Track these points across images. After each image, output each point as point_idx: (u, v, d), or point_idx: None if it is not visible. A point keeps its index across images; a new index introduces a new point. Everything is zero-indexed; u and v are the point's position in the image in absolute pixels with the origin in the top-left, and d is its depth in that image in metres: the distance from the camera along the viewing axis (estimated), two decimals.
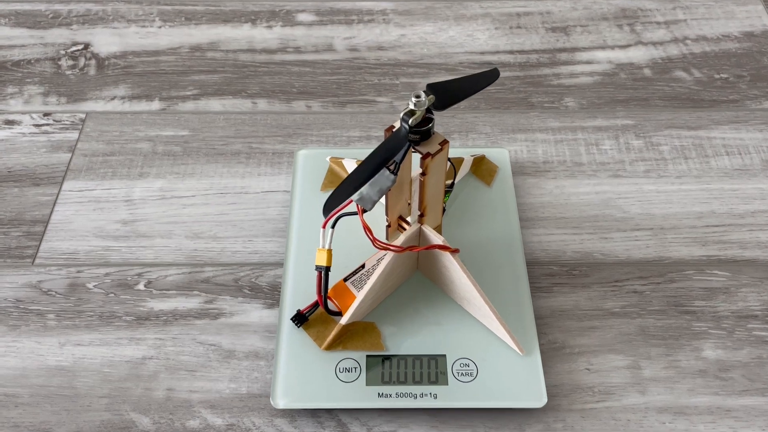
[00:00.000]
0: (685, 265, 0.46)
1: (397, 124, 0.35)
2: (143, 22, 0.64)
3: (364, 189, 0.36)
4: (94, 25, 0.64)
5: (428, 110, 0.34)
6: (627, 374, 0.41)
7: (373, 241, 0.37)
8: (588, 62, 0.60)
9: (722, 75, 0.59)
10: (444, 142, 0.35)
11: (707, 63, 0.60)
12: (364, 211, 0.36)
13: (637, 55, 0.61)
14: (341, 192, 0.33)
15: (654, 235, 0.48)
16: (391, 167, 0.36)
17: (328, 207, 0.33)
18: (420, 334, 0.41)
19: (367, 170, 0.33)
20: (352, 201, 0.36)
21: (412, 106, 0.33)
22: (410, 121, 0.33)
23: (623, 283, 0.45)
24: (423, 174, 0.36)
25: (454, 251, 0.39)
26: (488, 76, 0.38)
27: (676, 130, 0.55)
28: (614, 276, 0.46)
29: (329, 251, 0.38)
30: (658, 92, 0.58)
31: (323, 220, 0.37)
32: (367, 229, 0.37)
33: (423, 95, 0.33)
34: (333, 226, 0.38)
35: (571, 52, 0.61)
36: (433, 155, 0.35)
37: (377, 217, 0.42)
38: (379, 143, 0.37)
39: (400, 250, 0.38)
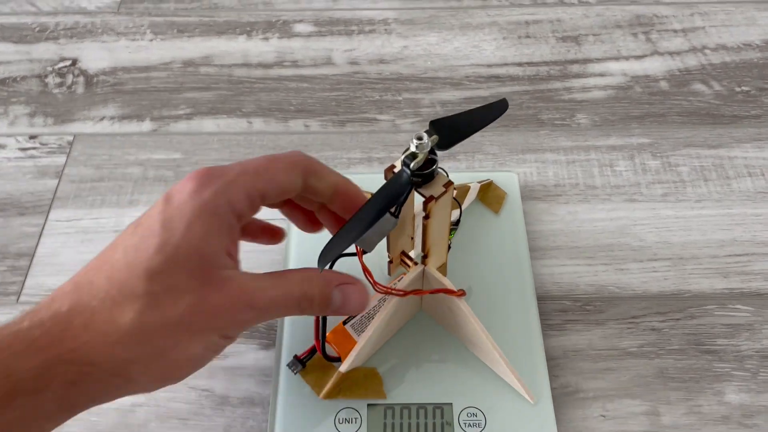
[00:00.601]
0: (705, 300, 0.44)
1: (398, 165, 0.33)
2: (134, 35, 0.61)
3: None
4: (83, 38, 0.61)
5: (431, 151, 0.31)
6: (645, 421, 0.39)
7: (374, 285, 0.35)
8: (601, 74, 0.57)
9: (743, 87, 0.56)
10: (448, 184, 0.33)
11: (727, 74, 0.57)
12: (364, 252, 0.34)
13: (653, 66, 0.58)
14: (340, 241, 0.30)
15: (673, 266, 0.45)
16: (393, 209, 0.33)
17: (325, 257, 0.31)
18: (424, 380, 0.38)
19: (367, 218, 0.30)
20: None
21: (413, 149, 0.31)
22: (412, 164, 0.31)
23: (640, 320, 0.43)
24: (426, 218, 0.33)
25: (460, 295, 0.36)
26: (497, 109, 0.35)
27: (695, 148, 0.52)
28: (631, 312, 0.43)
29: None
30: (675, 107, 0.55)
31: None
32: (367, 272, 0.34)
33: (425, 137, 0.30)
34: (331, 267, 0.35)
35: (583, 64, 0.58)
36: (437, 198, 0.32)
37: (379, 251, 0.39)
38: (380, 172, 0.35)
39: (403, 294, 0.36)
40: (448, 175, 0.34)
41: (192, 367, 0.31)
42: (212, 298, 0.29)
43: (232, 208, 0.30)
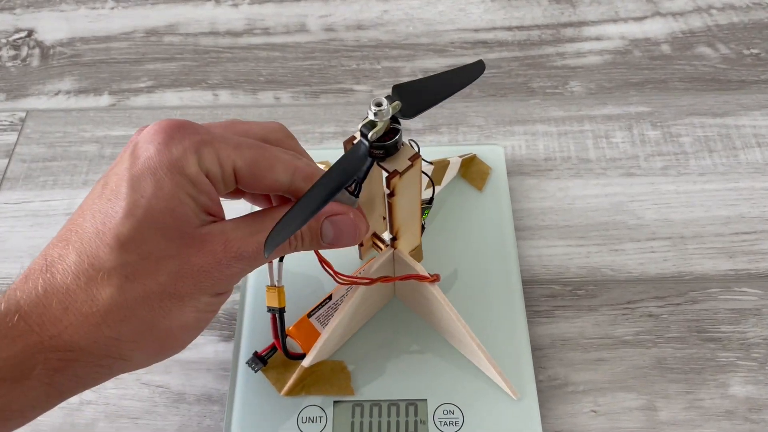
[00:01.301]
0: (709, 282, 0.40)
1: (357, 136, 0.29)
2: (93, 2, 0.57)
3: None
4: (40, 7, 0.57)
5: (394, 119, 0.27)
6: (640, 417, 0.35)
7: (335, 275, 0.31)
8: (597, 38, 0.53)
9: (753, 50, 0.51)
10: (415, 157, 0.29)
11: (735, 36, 0.52)
12: None
13: (654, 28, 0.53)
14: (288, 224, 0.26)
15: (673, 246, 0.41)
16: (351, 187, 0.29)
17: (273, 242, 0.27)
18: (397, 374, 0.35)
19: (320, 197, 0.26)
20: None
21: (372, 116, 0.27)
22: (370, 134, 0.27)
23: (636, 305, 0.39)
24: (391, 195, 0.29)
25: (433, 280, 0.33)
26: (470, 72, 0.31)
27: (699, 117, 0.47)
28: (626, 296, 0.39)
29: (281, 289, 0.32)
30: (678, 72, 0.50)
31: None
32: (324, 262, 0.31)
33: (385, 102, 0.26)
34: (281, 260, 0.32)
35: (578, 27, 0.53)
36: (402, 173, 0.28)
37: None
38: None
39: (369, 282, 0.32)
40: (418, 148, 0.30)
41: (188, 334, 0.28)
42: (195, 259, 0.26)
43: (205, 170, 0.27)
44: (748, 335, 0.38)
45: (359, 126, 0.27)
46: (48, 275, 0.26)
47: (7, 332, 0.25)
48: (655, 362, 0.37)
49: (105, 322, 0.25)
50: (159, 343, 0.27)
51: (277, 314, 0.32)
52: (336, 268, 0.31)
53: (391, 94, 0.28)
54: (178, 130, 0.27)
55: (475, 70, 0.31)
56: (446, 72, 0.30)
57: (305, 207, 0.26)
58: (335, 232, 0.29)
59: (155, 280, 0.26)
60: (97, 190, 0.27)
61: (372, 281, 0.32)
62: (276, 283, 0.32)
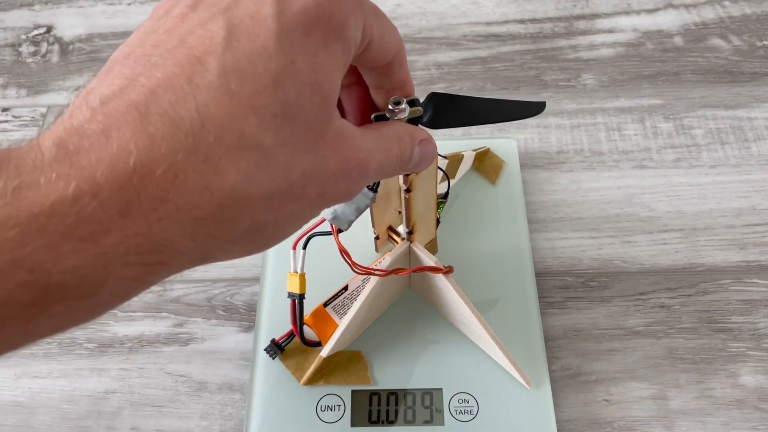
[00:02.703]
0: (720, 273, 0.40)
1: None
2: None
3: (338, 207, 0.30)
4: (59, 3, 0.58)
5: (411, 121, 0.28)
6: (652, 406, 0.36)
7: (352, 265, 0.32)
8: (610, 31, 0.53)
9: (765, 42, 0.51)
10: None
11: (748, 28, 0.52)
12: (340, 231, 0.31)
13: (667, 20, 0.53)
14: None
15: (684, 238, 0.42)
16: (371, 184, 0.30)
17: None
18: (413, 364, 0.36)
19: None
20: (324, 220, 0.31)
21: (387, 112, 0.27)
22: None
23: (648, 296, 0.40)
24: (408, 191, 0.30)
25: (446, 272, 0.33)
26: (523, 109, 0.29)
27: (711, 109, 0.48)
28: (638, 287, 0.40)
29: (302, 276, 0.33)
30: (690, 65, 0.50)
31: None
32: (344, 252, 0.31)
33: (403, 102, 0.27)
34: (304, 247, 0.33)
35: (591, 20, 0.54)
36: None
37: (367, 226, 0.36)
38: None
39: (385, 274, 0.33)
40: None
41: (277, 240, 0.22)
42: (329, 161, 0.21)
43: (353, 38, 0.21)
44: (759, 326, 0.38)
45: (372, 116, 0.28)
46: (147, 141, 0.18)
47: (74, 228, 0.17)
48: (666, 352, 0.38)
49: (212, 217, 0.19)
50: (252, 247, 0.21)
51: (297, 300, 0.33)
52: (353, 259, 0.32)
53: (424, 99, 0.28)
54: None
55: (531, 108, 0.29)
56: (497, 99, 0.29)
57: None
58: (420, 155, 0.26)
59: (287, 176, 0.20)
60: (218, 25, 0.19)
61: (387, 273, 0.33)
62: (297, 270, 0.33)
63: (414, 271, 0.33)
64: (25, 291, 0.17)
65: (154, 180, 0.18)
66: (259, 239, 0.21)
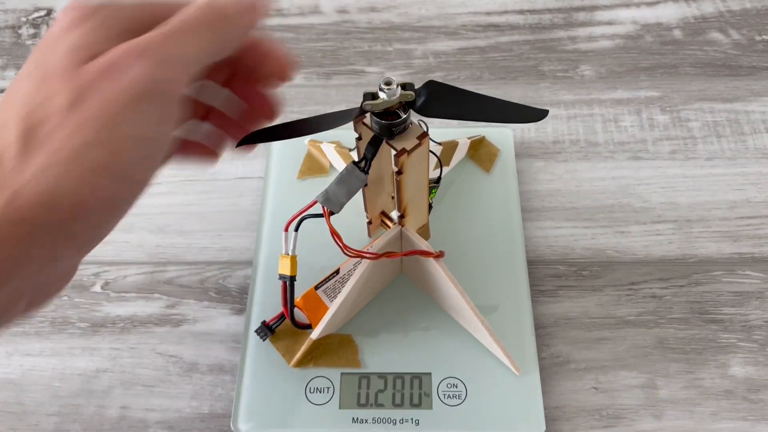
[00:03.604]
0: (712, 265, 0.40)
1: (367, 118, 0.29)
2: None
3: (330, 188, 0.30)
4: None
5: (403, 106, 0.28)
6: (640, 395, 0.36)
7: (344, 248, 0.32)
8: (609, 23, 0.53)
9: (764, 36, 0.51)
10: (423, 136, 0.29)
11: (747, 22, 0.52)
12: (332, 213, 0.31)
13: (666, 13, 0.53)
14: (278, 128, 0.28)
15: (678, 229, 0.42)
16: (362, 164, 0.30)
17: (248, 139, 0.28)
18: (403, 348, 0.36)
19: (319, 124, 0.28)
20: (316, 202, 0.31)
21: (379, 91, 0.27)
22: (364, 104, 0.27)
23: (640, 286, 0.40)
24: (399, 173, 0.30)
25: (437, 256, 0.33)
26: (526, 113, 0.29)
27: (709, 102, 0.48)
28: (630, 277, 0.40)
29: (293, 258, 0.33)
30: (689, 58, 0.50)
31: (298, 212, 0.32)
32: (335, 234, 0.32)
33: (394, 83, 0.27)
34: (296, 229, 0.33)
35: (590, 11, 0.53)
36: (410, 152, 0.29)
37: (359, 211, 0.36)
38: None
39: (376, 257, 0.33)
40: (426, 128, 0.31)
41: (145, 151, 0.23)
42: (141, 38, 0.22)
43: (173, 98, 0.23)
44: (750, 317, 0.38)
45: (363, 92, 0.28)
46: None
47: None
48: (656, 342, 0.38)
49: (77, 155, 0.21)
50: (114, 149, 0.22)
51: (288, 282, 0.33)
52: (345, 243, 0.32)
53: (420, 86, 0.28)
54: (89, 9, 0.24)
55: (530, 114, 0.29)
56: (496, 99, 0.29)
57: (301, 126, 0.28)
58: None
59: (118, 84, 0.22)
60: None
61: (378, 256, 0.33)
62: (289, 252, 0.33)
63: (406, 255, 0.33)
64: None
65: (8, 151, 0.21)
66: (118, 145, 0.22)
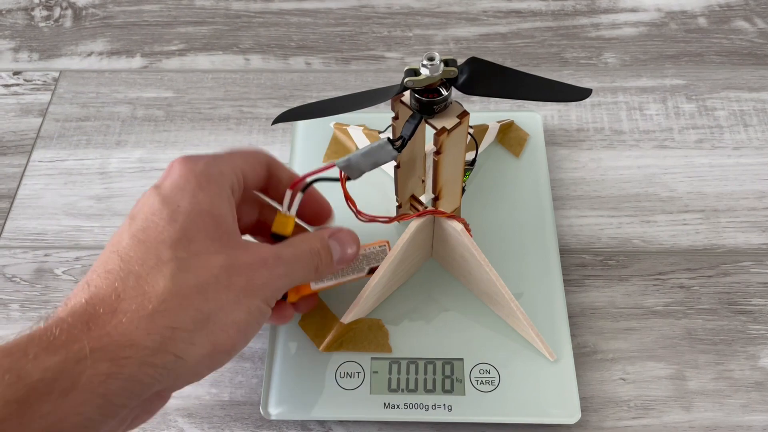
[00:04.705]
0: (741, 255, 0.40)
1: (406, 96, 0.29)
2: None
3: (353, 157, 0.29)
4: None
5: (444, 83, 0.27)
6: (669, 386, 0.35)
7: (357, 213, 0.31)
8: (633, 10, 0.52)
9: None
10: (464, 114, 0.29)
11: None
12: (348, 179, 0.30)
13: (691, 1, 0.52)
14: (312, 106, 0.32)
15: (705, 219, 0.41)
16: (398, 144, 0.29)
17: (284, 116, 0.32)
18: (434, 333, 0.35)
19: (356, 102, 0.30)
20: (333, 165, 0.30)
21: (421, 67, 0.26)
22: (406, 80, 0.27)
23: (667, 276, 0.39)
24: (437, 153, 0.29)
25: (450, 216, 0.32)
26: (568, 92, 0.30)
27: (735, 91, 0.47)
28: (657, 267, 0.39)
29: (292, 218, 0.31)
30: (714, 46, 0.50)
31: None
32: (349, 199, 0.30)
33: (437, 58, 0.26)
34: (303, 190, 0.31)
35: None
36: (450, 131, 0.28)
37: (389, 195, 0.36)
38: (387, 111, 0.31)
39: (389, 220, 0.32)
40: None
41: (238, 336, 0.27)
42: (242, 257, 0.27)
43: (225, 178, 0.28)
44: None
45: (405, 69, 0.27)
46: (92, 288, 0.25)
47: (48, 345, 0.23)
48: (684, 333, 0.37)
49: (158, 312, 0.24)
50: (212, 339, 0.26)
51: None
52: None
53: (462, 63, 0.28)
54: (191, 158, 0.28)
55: (573, 93, 0.29)
56: (539, 77, 0.29)
57: (341, 104, 0.31)
58: (341, 248, 0.31)
59: (209, 271, 0.26)
60: (126, 223, 0.27)
61: (392, 219, 0.32)
62: (291, 212, 0.31)
63: (418, 216, 0.32)
64: (13, 389, 0.21)
65: (104, 302, 0.24)
66: (212, 328, 0.26)
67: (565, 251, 0.40)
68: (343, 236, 0.32)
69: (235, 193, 0.29)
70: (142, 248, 0.25)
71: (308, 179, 0.30)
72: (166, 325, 0.24)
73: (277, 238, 0.31)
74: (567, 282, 0.39)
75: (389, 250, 0.33)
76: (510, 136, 0.42)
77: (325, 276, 0.32)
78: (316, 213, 0.33)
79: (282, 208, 0.31)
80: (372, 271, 0.34)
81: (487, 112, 0.45)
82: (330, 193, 0.32)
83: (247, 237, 0.34)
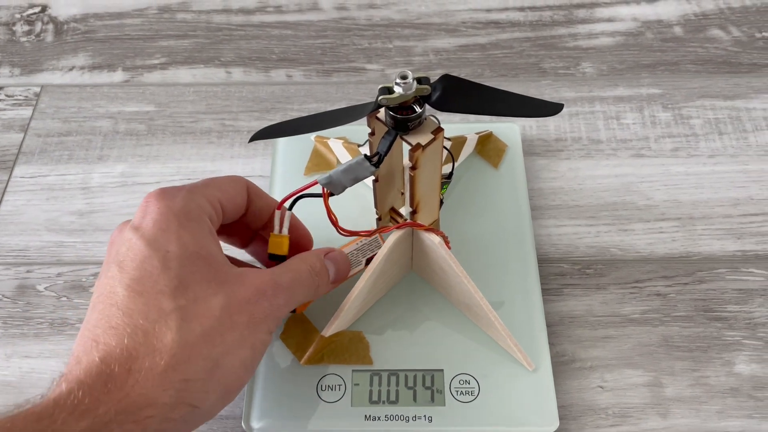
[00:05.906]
0: (716, 262, 0.40)
1: (381, 113, 0.29)
2: None
3: (334, 173, 0.30)
4: None
5: (418, 101, 0.28)
6: (646, 393, 0.36)
7: (338, 229, 0.32)
8: (609, 20, 0.53)
9: (765, 33, 0.51)
10: (438, 130, 0.29)
11: (748, 19, 0.52)
12: (331, 195, 0.31)
13: (667, 10, 0.53)
14: (288, 124, 0.32)
15: (682, 226, 0.42)
16: (374, 159, 0.30)
17: (260, 134, 0.32)
18: (414, 345, 0.35)
19: (332, 119, 0.30)
20: (316, 182, 0.30)
21: (394, 85, 0.27)
22: (380, 98, 0.27)
23: (644, 284, 0.40)
24: (413, 168, 0.30)
25: (429, 230, 0.33)
26: (541, 107, 0.30)
27: (710, 99, 0.48)
28: (634, 275, 0.40)
29: (286, 238, 0.32)
30: (689, 55, 0.50)
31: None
32: (331, 214, 0.31)
33: (410, 77, 0.27)
34: (290, 208, 0.32)
35: (591, 8, 0.54)
36: (425, 147, 0.29)
37: (369, 207, 0.36)
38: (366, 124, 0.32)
39: (369, 234, 0.33)
40: (439, 123, 0.30)
41: (246, 373, 0.28)
42: (239, 292, 0.27)
43: (204, 212, 0.29)
44: (754, 315, 0.38)
45: (378, 87, 0.28)
46: (102, 346, 0.25)
47: (73, 409, 0.24)
48: (661, 340, 0.38)
49: (171, 366, 0.25)
50: (223, 382, 0.27)
51: (279, 263, 0.33)
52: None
53: (435, 80, 0.28)
54: (167, 192, 0.29)
55: (546, 108, 0.30)
56: (509, 92, 0.30)
57: (314, 121, 0.32)
58: (335, 266, 0.32)
59: (211, 314, 0.26)
60: (113, 271, 0.27)
61: (372, 233, 0.33)
62: (283, 232, 0.32)
63: (397, 228, 0.33)
64: None
65: (118, 361, 0.25)
66: (222, 372, 0.26)
67: (543, 260, 0.41)
68: (336, 255, 0.33)
69: (214, 224, 0.30)
70: (142, 300, 0.26)
71: (294, 196, 0.31)
72: (179, 379, 0.25)
73: (275, 258, 0.32)
74: (545, 291, 0.39)
75: (382, 241, 0.34)
76: (489, 147, 0.42)
77: (322, 295, 0.33)
78: (296, 240, 0.34)
79: (276, 227, 0.32)
80: (369, 261, 0.34)
81: (466, 123, 0.45)
82: (308, 208, 0.33)
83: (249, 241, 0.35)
